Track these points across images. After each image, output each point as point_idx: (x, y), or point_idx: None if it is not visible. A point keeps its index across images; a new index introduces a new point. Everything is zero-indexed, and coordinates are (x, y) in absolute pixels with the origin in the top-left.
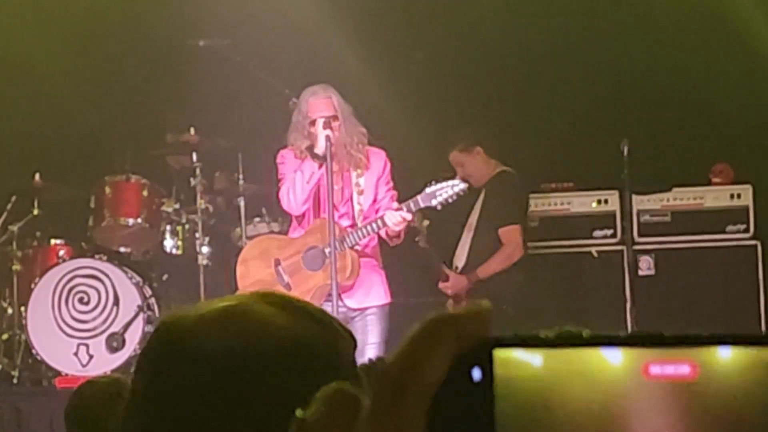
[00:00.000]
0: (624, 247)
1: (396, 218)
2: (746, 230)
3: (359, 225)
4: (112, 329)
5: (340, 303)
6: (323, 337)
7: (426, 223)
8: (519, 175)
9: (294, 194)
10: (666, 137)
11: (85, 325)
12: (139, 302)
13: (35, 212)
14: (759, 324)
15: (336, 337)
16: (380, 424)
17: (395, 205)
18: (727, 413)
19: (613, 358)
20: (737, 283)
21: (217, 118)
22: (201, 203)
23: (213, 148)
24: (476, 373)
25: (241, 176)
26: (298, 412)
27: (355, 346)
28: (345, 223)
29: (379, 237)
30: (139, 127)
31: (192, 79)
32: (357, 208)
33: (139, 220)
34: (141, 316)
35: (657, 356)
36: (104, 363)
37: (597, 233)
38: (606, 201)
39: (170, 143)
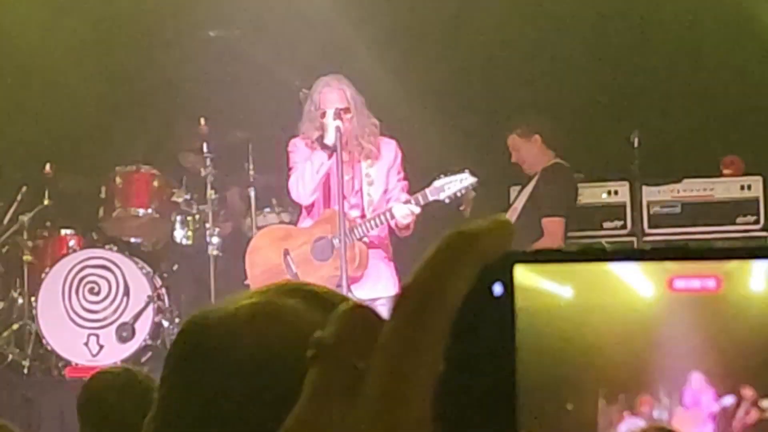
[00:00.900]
0: (634, 239)
1: (404, 211)
2: (756, 222)
3: (368, 216)
4: (122, 319)
5: (348, 293)
6: None
7: (473, 195)
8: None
9: (303, 184)
10: (676, 128)
11: (96, 315)
12: (150, 292)
13: (46, 202)
14: None
15: None
16: (402, 341)
17: (404, 196)
18: (752, 326)
19: (637, 273)
20: None
21: (228, 109)
22: (211, 194)
23: (223, 139)
24: (497, 288)
25: (251, 167)
26: (317, 332)
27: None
28: (354, 214)
29: (390, 229)
30: (150, 118)
31: (202, 69)
32: (367, 199)
33: (150, 211)
34: (151, 307)
35: (682, 270)
36: (114, 353)
37: (607, 224)
38: (616, 192)
39: (181, 134)
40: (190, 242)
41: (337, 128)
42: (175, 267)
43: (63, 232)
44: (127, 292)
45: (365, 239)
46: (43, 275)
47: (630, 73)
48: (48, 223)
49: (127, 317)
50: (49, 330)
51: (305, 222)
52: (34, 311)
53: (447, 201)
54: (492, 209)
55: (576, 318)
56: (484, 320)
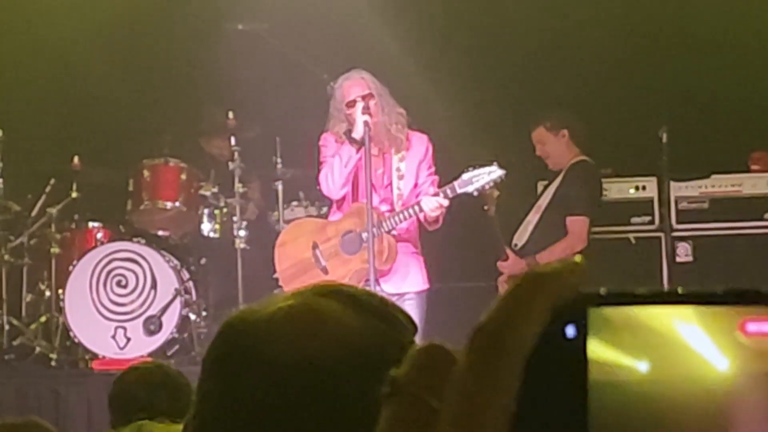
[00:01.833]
0: (662, 234)
1: (433, 204)
2: None
3: (397, 210)
4: (149, 312)
5: (377, 288)
6: (390, 335)
7: (497, 194)
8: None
9: (332, 178)
10: (705, 124)
11: (123, 308)
12: (177, 285)
13: (74, 195)
14: None
15: (400, 330)
16: (476, 380)
17: (433, 191)
18: None
19: (711, 337)
20: None
21: (256, 102)
22: (239, 187)
23: (251, 132)
24: (570, 330)
25: (278, 160)
26: (393, 370)
27: (416, 329)
28: (384, 207)
29: (419, 223)
30: (178, 111)
31: (230, 63)
32: (396, 192)
33: (177, 204)
34: (178, 300)
35: (754, 314)
36: (141, 346)
37: (635, 220)
38: (644, 187)
39: (208, 127)
40: (217, 235)
41: (366, 122)
42: (203, 260)
43: (91, 224)
44: (154, 285)
45: (393, 232)
46: (70, 268)
47: (659, 69)
48: (76, 216)
49: (154, 310)
50: (76, 323)
51: (335, 215)
52: (61, 304)
53: (475, 194)
54: (519, 205)
55: (653, 392)
56: (556, 362)
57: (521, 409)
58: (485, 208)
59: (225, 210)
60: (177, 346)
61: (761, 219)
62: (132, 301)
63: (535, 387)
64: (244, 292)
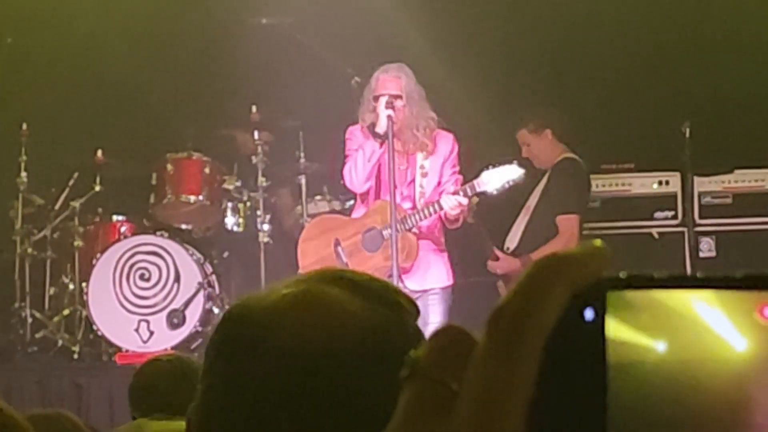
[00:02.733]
0: (685, 229)
1: (452, 202)
2: None
3: (419, 207)
4: (172, 306)
5: (401, 285)
6: (392, 319)
7: (475, 200)
8: (584, 160)
9: (356, 172)
10: (728, 119)
11: (146, 301)
12: (200, 279)
13: (97, 188)
14: None
15: (402, 314)
16: (495, 363)
17: (451, 189)
18: None
19: (730, 318)
20: None
21: (280, 96)
22: (262, 181)
23: (275, 127)
24: (589, 314)
25: (302, 154)
26: (412, 352)
27: (418, 312)
28: (406, 205)
29: (441, 219)
30: (202, 105)
31: (254, 57)
32: (419, 190)
33: (201, 198)
34: (201, 293)
35: None
36: (165, 339)
37: (658, 215)
38: (667, 182)
39: (233, 122)
40: (240, 229)
41: (389, 117)
42: (226, 254)
43: (114, 218)
44: (177, 279)
45: (415, 230)
46: (94, 261)
47: (682, 64)
48: (99, 210)
49: (177, 304)
50: (99, 316)
51: (358, 211)
52: (84, 297)
53: (495, 192)
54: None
55: (671, 372)
56: (574, 345)
57: (539, 393)
58: (469, 221)
59: (248, 204)
60: (200, 340)
61: None
62: (155, 295)
63: (554, 370)
64: (266, 286)
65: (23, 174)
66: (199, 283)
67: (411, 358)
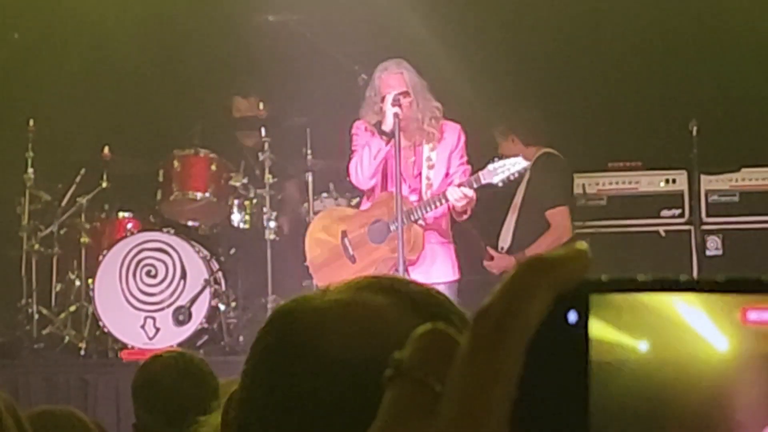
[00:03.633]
0: (692, 227)
1: (457, 194)
2: None
3: (426, 199)
4: (179, 303)
5: (405, 275)
6: None
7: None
8: (591, 158)
9: (361, 169)
10: (735, 117)
11: (152, 298)
12: (206, 276)
13: (104, 185)
14: None
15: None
16: (478, 365)
17: (457, 181)
18: None
19: (712, 319)
20: None
21: (286, 93)
22: (269, 178)
23: (282, 124)
24: (572, 316)
25: (309, 152)
26: (396, 352)
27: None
28: (413, 197)
29: (449, 212)
30: (208, 102)
31: (261, 54)
32: (425, 182)
33: (207, 194)
34: (208, 290)
35: (755, 302)
36: (171, 336)
37: (665, 213)
38: (674, 180)
39: (239, 118)
40: (247, 226)
41: (395, 114)
42: (232, 251)
43: (121, 214)
44: (184, 276)
45: (421, 222)
46: (100, 258)
47: (689, 62)
48: (106, 206)
49: (183, 301)
50: (105, 312)
51: (366, 204)
52: (91, 293)
53: (500, 185)
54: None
55: (653, 372)
56: (558, 347)
57: (522, 395)
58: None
59: (255, 201)
60: (206, 337)
61: None
62: (161, 291)
63: (536, 372)
64: (273, 283)
65: (30, 170)
66: (206, 280)
67: (395, 358)
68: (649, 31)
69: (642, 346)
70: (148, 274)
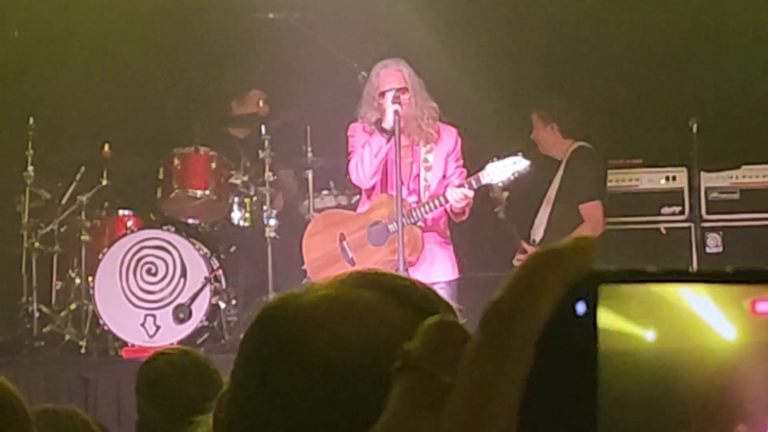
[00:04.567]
0: (692, 225)
1: (458, 195)
2: None
3: (424, 201)
4: (179, 300)
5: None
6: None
7: (506, 194)
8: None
9: (362, 168)
10: (735, 115)
11: (153, 296)
12: (207, 274)
13: (104, 183)
14: None
15: None
16: (488, 358)
17: (456, 182)
18: None
19: (719, 307)
20: None
21: (286, 90)
22: (269, 176)
23: (282, 121)
24: (580, 307)
25: (309, 149)
26: (405, 344)
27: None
28: (411, 199)
29: (447, 213)
30: (208, 99)
31: (261, 51)
32: (423, 184)
33: (207, 192)
34: (208, 288)
35: (764, 293)
36: (171, 334)
37: (665, 210)
38: (674, 178)
39: (238, 115)
40: (247, 224)
41: (396, 112)
42: (233, 248)
43: (121, 212)
44: (184, 273)
45: (420, 223)
46: (100, 256)
47: (690, 59)
48: (106, 204)
49: (184, 298)
50: (106, 310)
51: (364, 206)
52: (91, 291)
53: (500, 185)
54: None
55: (660, 361)
56: (566, 338)
57: (530, 386)
58: (496, 210)
59: (255, 199)
60: (206, 335)
61: None
62: (162, 289)
63: (545, 363)
64: (273, 281)
65: (30, 168)
66: (206, 278)
67: (403, 350)
68: (649, 29)
69: (649, 335)
70: (148, 271)
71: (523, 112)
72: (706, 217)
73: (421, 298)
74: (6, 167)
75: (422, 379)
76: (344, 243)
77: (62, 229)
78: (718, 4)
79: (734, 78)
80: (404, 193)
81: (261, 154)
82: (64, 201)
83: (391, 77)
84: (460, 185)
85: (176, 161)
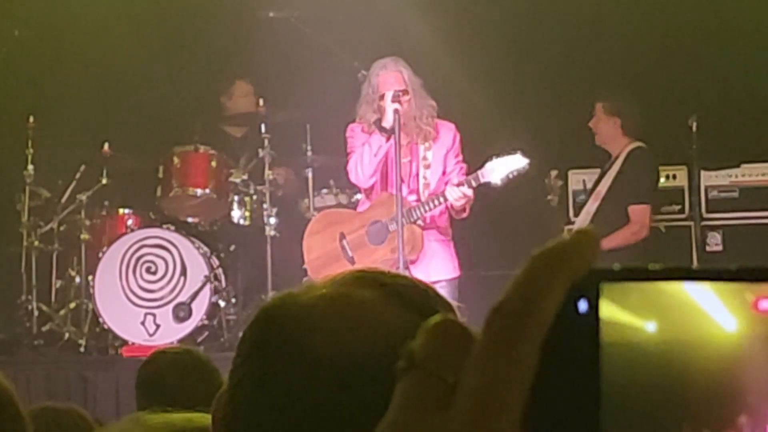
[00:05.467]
0: (692, 223)
1: (456, 194)
2: None
3: (424, 199)
4: (179, 299)
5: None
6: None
7: (560, 183)
8: (590, 154)
9: (362, 167)
10: (735, 113)
11: (152, 294)
12: (207, 272)
13: (104, 182)
14: None
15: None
16: (494, 358)
17: (455, 180)
18: None
19: (721, 294)
20: None
21: (286, 89)
22: (269, 174)
23: (281, 120)
24: (582, 305)
25: (309, 147)
26: (408, 344)
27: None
28: (411, 198)
29: (446, 209)
30: (208, 98)
31: (261, 50)
32: (422, 182)
33: (207, 191)
34: (208, 287)
35: (766, 291)
36: (171, 333)
37: (665, 209)
38: (674, 176)
39: (235, 114)
40: (247, 222)
41: (396, 111)
42: (232, 247)
43: (121, 211)
44: (184, 272)
45: (420, 222)
46: (100, 254)
47: (689, 57)
48: (106, 203)
49: (183, 297)
50: (105, 309)
51: (364, 205)
52: (91, 290)
53: (500, 183)
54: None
55: (661, 352)
56: (568, 337)
57: (533, 385)
58: (549, 198)
59: (255, 197)
60: (206, 333)
61: None
62: (161, 288)
63: (548, 362)
64: (273, 279)
65: (30, 167)
66: (206, 277)
67: (407, 349)
68: (648, 28)
69: (650, 326)
70: (148, 270)
71: (523, 110)
72: (706, 215)
73: (421, 297)
74: (6, 165)
75: (426, 379)
76: (344, 242)
77: (62, 228)
78: (718, 3)
79: (734, 76)
80: (404, 192)
81: (261, 153)
82: (63, 199)
83: (390, 78)
84: (460, 184)
85: (176, 160)
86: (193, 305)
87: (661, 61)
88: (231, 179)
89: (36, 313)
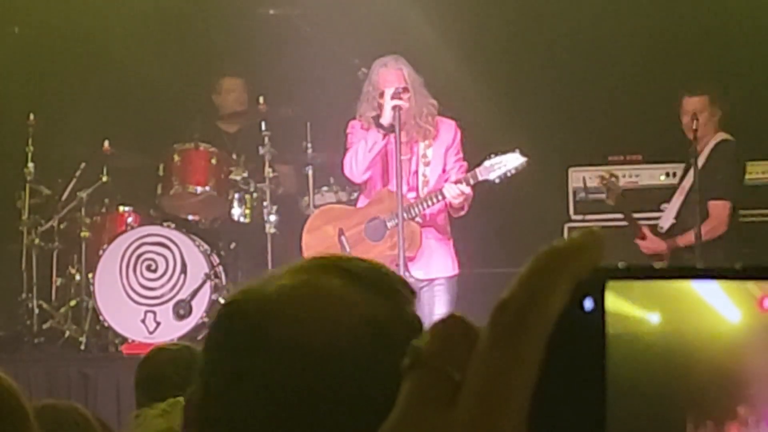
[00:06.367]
0: None
1: (454, 192)
2: None
3: (423, 196)
4: (179, 297)
5: (407, 273)
6: (390, 307)
7: (616, 182)
8: (591, 152)
9: (356, 162)
10: (734, 111)
11: (153, 292)
12: (207, 270)
13: (104, 179)
14: None
15: (400, 301)
16: (499, 356)
17: (455, 177)
18: None
19: (725, 293)
20: None
21: (287, 87)
22: (269, 172)
23: (282, 117)
24: (588, 304)
25: (309, 145)
26: (414, 341)
27: (415, 296)
28: (410, 195)
29: (445, 207)
30: (208, 96)
31: (262, 47)
32: (421, 180)
33: (208, 189)
34: (208, 284)
35: None
36: (171, 330)
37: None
38: (675, 174)
39: (230, 113)
40: (247, 220)
41: (395, 107)
42: (233, 245)
43: (121, 209)
44: (184, 270)
45: (418, 219)
46: (100, 252)
47: (689, 56)
48: (106, 200)
49: (184, 295)
50: (106, 307)
51: (363, 201)
52: (91, 288)
53: (497, 181)
54: (548, 190)
55: (664, 344)
56: (574, 335)
57: (540, 383)
58: (605, 198)
59: (255, 195)
60: (207, 331)
61: None
62: (162, 286)
63: (553, 360)
64: (264, 275)
65: (30, 164)
66: (206, 274)
67: (413, 347)
68: (649, 25)
69: (653, 318)
70: (148, 268)
71: (523, 109)
72: None
73: (383, 280)
74: (6, 163)
75: (432, 376)
76: (342, 238)
77: (62, 226)
78: (718, 2)
79: (733, 75)
80: (403, 189)
81: (261, 150)
82: (64, 197)
83: (391, 77)
84: (458, 181)
85: (176, 157)
86: (194, 303)
87: (661, 60)
88: (231, 177)
89: (36, 310)
